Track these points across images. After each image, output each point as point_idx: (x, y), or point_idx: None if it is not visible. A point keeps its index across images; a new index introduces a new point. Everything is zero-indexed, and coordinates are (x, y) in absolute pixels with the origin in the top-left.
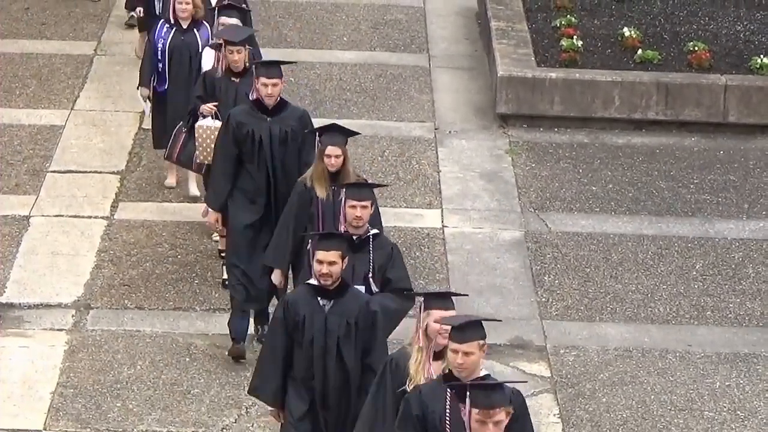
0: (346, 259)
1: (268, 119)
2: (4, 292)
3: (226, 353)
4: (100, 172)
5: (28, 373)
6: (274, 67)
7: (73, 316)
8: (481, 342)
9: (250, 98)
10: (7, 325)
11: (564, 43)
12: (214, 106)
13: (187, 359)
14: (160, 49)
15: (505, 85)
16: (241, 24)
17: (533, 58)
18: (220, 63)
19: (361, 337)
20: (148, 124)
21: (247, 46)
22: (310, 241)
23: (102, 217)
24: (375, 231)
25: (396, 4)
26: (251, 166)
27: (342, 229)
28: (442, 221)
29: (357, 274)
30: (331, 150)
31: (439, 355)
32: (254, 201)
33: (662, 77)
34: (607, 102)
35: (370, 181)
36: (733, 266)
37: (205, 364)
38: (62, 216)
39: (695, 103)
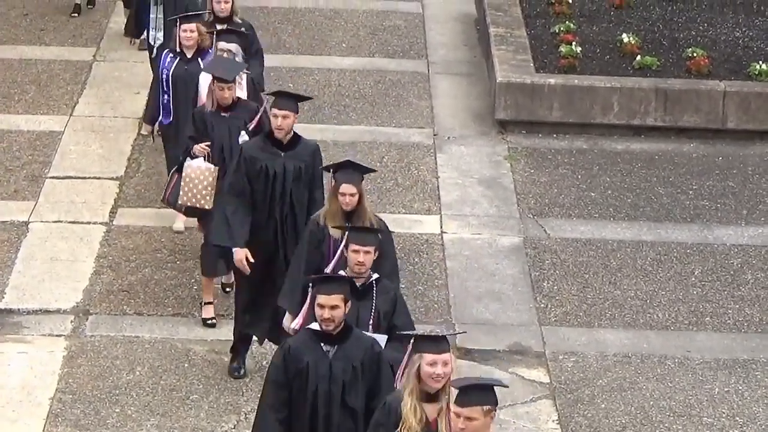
0: (348, 303)
1: (282, 154)
2: (3, 297)
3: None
4: (99, 178)
5: (27, 378)
6: (287, 100)
7: (72, 321)
8: (487, 408)
9: (250, 128)
10: (6, 331)
11: (563, 49)
12: (206, 146)
13: (186, 365)
14: (164, 79)
15: (504, 91)
16: (240, 49)
17: (532, 64)
18: (210, 98)
19: (367, 379)
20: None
21: (242, 74)
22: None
23: (101, 223)
24: (376, 276)
25: (395, 11)
26: (262, 202)
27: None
28: (441, 227)
29: (361, 321)
30: (345, 188)
31: (433, 397)
32: (264, 237)
33: (661, 83)
34: (605, 108)
35: (372, 224)
36: (732, 272)
37: (204, 370)
38: (61, 222)
39: (694, 109)
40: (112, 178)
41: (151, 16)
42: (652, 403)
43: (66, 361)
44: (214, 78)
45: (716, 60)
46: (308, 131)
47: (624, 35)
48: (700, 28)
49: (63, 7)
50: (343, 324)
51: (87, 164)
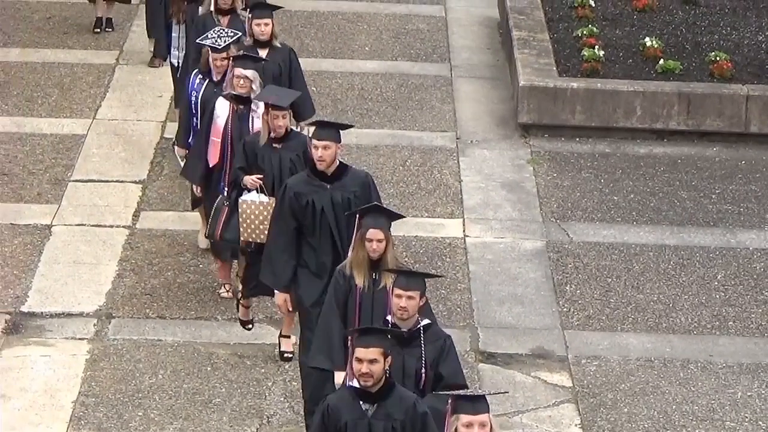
0: (389, 358)
1: (328, 186)
2: (26, 301)
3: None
4: (122, 182)
5: (50, 382)
6: (327, 129)
7: (94, 325)
8: None
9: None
10: (29, 334)
11: (586, 52)
12: (258, 178)
13: (209, 368)
14: (193, 102)
15: (527, 95)
16: (257, 75)
17: (555, 68)
18: (265, 128)
19: None
20: (169, 133)
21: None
22: (349, 338)
23: (124, 227)
24: (426, 321)
25: (418, 14)
26: (313, 239)
27: (389, 320)
28: (464, 231)
29: (407, 372)
30: (372, 234)
31: None
32: (319, 275)
33: (684, 87)
34: (628, 112)
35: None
36: (755, 276)
37: (227, 374)
38: (84, 225)
39: (717, 113)
40: (134, 182)
41: (173, 35)
42: (674, 407)
43: (89, 365)
44: (268, 106)
45: (739, 64)
46: None
47: (647, 39)
48: (723, 32)
49: (86, 10)
50: (384, 380)
51: (110, 167)
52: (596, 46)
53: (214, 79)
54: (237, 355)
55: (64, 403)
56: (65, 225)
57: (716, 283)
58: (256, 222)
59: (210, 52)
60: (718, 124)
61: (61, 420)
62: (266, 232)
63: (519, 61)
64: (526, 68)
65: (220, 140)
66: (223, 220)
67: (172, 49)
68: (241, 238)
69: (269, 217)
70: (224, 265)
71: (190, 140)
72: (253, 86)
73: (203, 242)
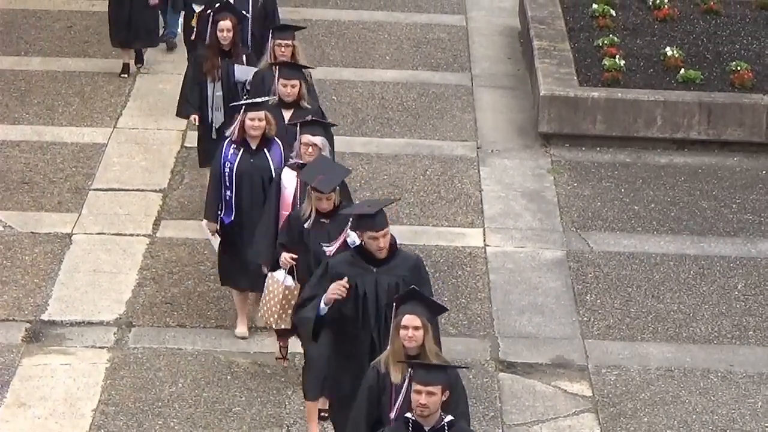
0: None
1: (375, 270)
2: (47, 309)
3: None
4: (143, 190)
5: (70, 390)
6: (377, 218)
7: (114, 333)
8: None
9: (349, 242)
10: (49, 343)
11: (606, 62)
12: (292, 258)
13: (229, 377)
14: (227, 174)
15: (548, 105)
16: (327, 143)
17: (575, 78)
18: (308, 206)
19: None
20: (189, 142)
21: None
22: None
23: (144, 235)
24: (450, 418)
25: (438, 23)
26: (354, 326)
27: (410, 418)
28: (484, 240)
29: None
30: (408, 320)
31: None
32: (360, 365)
33: (705, 97)
34: (649, 121)
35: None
36: None
37: (247, 383)
38: (104, 234)
39: (738, 122)
40: (155, 191)
41: (208, 93)
42: (694, 417)
43: (109, 373)
44: (313, 189)
45: (760, 74)
46: (352, 144)
47: (667, 49)
48: (744, 41)
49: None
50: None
51: (130, 176)
52: (617, 56)
53: (252, 147)
54: (257, 364)
55: (84, 411)
56: (86, 234)
57: (736, 293)
58: (270, 303)
59: (245, 111)
60: (739, 133)
61: (81, 428)
62: (282, 317)
63: (540, 70)
64: (547, 78)
65: (285, 218)
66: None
67: (208, 110)
68: (258, 315)
69: (289, 303)
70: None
71: (222, 215)
72: (324, 154)
73: (242, 330)
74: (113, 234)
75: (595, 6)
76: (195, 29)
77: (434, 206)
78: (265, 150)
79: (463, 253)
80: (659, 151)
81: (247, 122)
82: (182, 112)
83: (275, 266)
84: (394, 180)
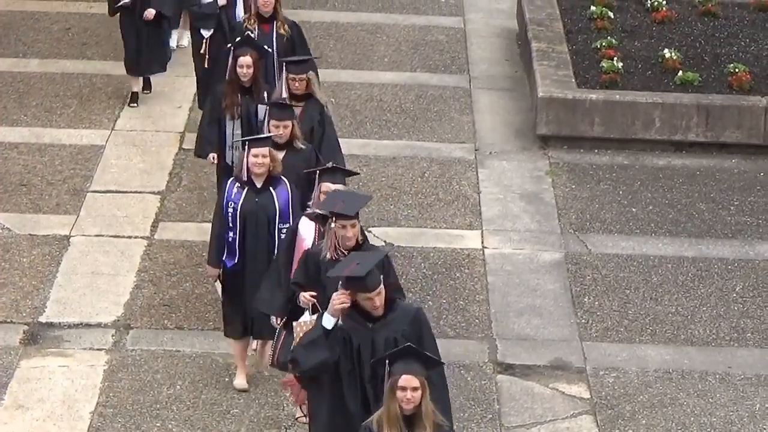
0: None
1: (371, 326)
2: (45, 311)
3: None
4: (141, 192)
5: (68, 392)
6: (368, 279)
7: (112, 335)
8: None
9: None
10: (47, 345)
11: (604, 64)
12: (312, 296)
13: (227, 379)
14: (230, 215)
15: (546, 107)
16: (346, 185)
17: (573, 80)
18: (330, 239)
19: None
20: (187, 144)
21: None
22: None
23: (142, 237)
24: None
25: (436, 25)
26: (346, 384)
27: None
28: (482, 242)
29: None
30: (405, 381)
31: None
32: (351, 425)
33: (703, 99)
34: (647, 123)
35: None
36: None
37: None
38: (102, 236)
39: (736, 124)
40: (153, 193)
41: (227, 132)
42: (692, 419)
43: (107, 375)
44: (334, 215)
45: (758, 76)
46: (350, 146)
47: (666, 51)
48: (742, 43)
49: (104, 21)
50: None
51: (128, 178)
52: (615, 58)
53: (257, 185)
54: (255, 366)
55: (82, 413)
56: (84, 235)
57: (735, 295)
58: None
59: (248, 148)
60: (737, 135)
61: (79, 431)
62: None
63: (538, 72)
64: (545, 80)
65: (301, 255)
66: (281, 345)
67: (227, 149)
68: (265, 362)
69: None
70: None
71: (224, 258)
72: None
73: (241, 382)
74: (111, 236)
75: (593, 8)
76: (207, 56)
77: (432, 208)
78: (271, 189)
79: (461, 255)
80: (657, 153)
81: (251, 159)
82: (201, 152)
83: (296, 314)
84: (392, 182)
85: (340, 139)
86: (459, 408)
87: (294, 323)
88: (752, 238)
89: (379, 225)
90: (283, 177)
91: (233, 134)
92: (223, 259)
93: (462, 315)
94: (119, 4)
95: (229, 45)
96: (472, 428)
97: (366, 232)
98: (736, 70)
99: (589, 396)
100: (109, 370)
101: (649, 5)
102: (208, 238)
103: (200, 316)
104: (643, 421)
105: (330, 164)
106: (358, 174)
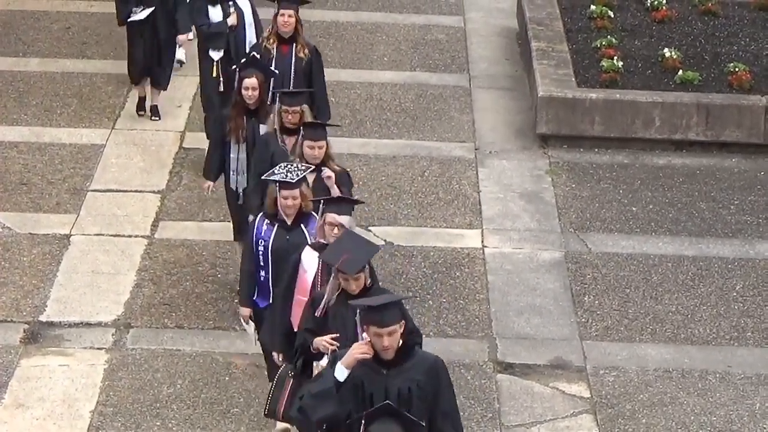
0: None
1: (385, 372)
2: (45, 310)
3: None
4: (141, 191)
5: (69, 391)
6: (385, 313)
7: (113, 335)
8: None
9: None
10: (47, 344)
11: (604, 63)
12: (332, 339)
13: (227, 378)
14: (260, 253)
15: (546, 106)
16: (353, 221)
17: (573, 79)
18: (335, 284)
19: None
20: (188, 143)
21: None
22: None
23: (142, 236)
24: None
25: (436, 24)
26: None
27: None
28: (483, 241)
29: None
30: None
31: None
32: None
33: (703, 98)
34: (647, 123)
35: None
36: None
37: (245, 383)
38: (102, 235)
39: (736, 123)
40: (153, 192)
41: (231, 156)
42: (693, 418)
43: (107, 374)
44: (340, 271)
45: (758, 75)
46: (350, 145)
47: (666, 50)
48: (742, 42)
49: (105, 20)
50: None
51: (128, 177)
52: (615, 57)
53: (287, 222)
54: (255, 365)
55: (82, 412)
56: (84, 235)
57: (735, 294)
58: None
59: (279, 189)
60: (737, 135)
61: (80, 430)
62: None
63: (538, 71)
64: (545, 79)
65: (307, 299)
66: (288, 395)
67: (231, 173)
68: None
69: None
70: None
71: (256, 298)
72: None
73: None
74: (111, 235)
75: (593, 7)
76: (221, 80)
77: (432, 207)
78: (302, 225)
79: (461, 255)
80: (657, 152)
81: (281, 201)
82: (206, 175)
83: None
84: (392, 181)
85: (340, 138)
86: (459, 407)
87: (316, 365)
88: (752, 237)
89: (379, 224)
90: (314, 213)
91: (238, 158)
92: (255, 299)
93: (462, 314)
94: (132, 18)
95: (234, 66)
96: (472, 427)
97: (365, 230)
98: (736, 69)
99: (589, 395)
100: (110, 369)
101: (649, 4)
102: (208, 237)
103: (200, 315)
104: (643, 420)
105: (336, 194)
106: (363, 203)
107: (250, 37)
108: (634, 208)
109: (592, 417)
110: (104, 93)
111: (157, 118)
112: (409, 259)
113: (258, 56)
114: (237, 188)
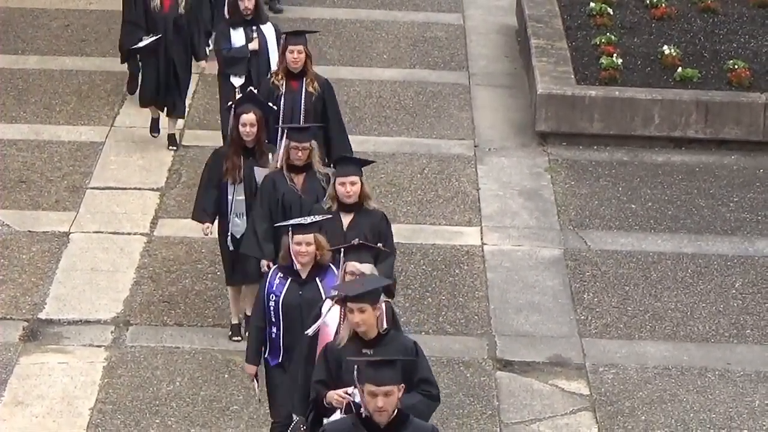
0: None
1: None
2: (44, 308)
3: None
4: (140, 189)
5: (68, 389)
6: (388, 367)
7: (112, 332)
8: None
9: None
10: (46, 341)
11: (604, 61)
12: (346, 393)
13: (226, 376)
14: (272, 308)
15: (545, 103)
16: (375, 269)
17: (573, 76)
18: (347, 328)
19: None
20: (187, 141)
21: (382, 302)
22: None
23: (141, 234)
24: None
25: (436, 22)
26: None
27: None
28: (482, 239)
29: None
30: None
31: None
32: None
33: (702, 95)
34: (646, 120)
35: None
36: None
37: (244, 381)
38: (102, 232)
39: (735, 121)
40: (152, 189)
41: (228, 198)
42: (692, 415)
43: (106, 372)
44: (346, 298)
45: (757, 72)
46: None
47: (665, 47)
48: (742, 40)
49: (103, 17)
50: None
51: (127, 175)
52: (614, 55)
53: (302, 276)
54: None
55: (81, 410)
56: (83, 232)
57: (734, 291)
58: None
59: (291, 234)
60: (736, 132)
61: (79, 427)
62: None
63: (537, 69)
64: (544, 76)
65: (321, 349)
66: None
67: (231, 216)
68: None
69: None
70: None
71: (267, 355)
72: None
73: None
74: (110, 233)
75: (592, 4)
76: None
77: (432, 205)
78: (317, 279)
79: (460, 252)
80: (657, 149)
81: (294, 247)
82: (197, 216)
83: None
84: (391, 178)
85: None
86: (458, 404)
87: (325, 421)
88: (751, 234)
89: None
90: (332, 266)
91: (234, 200)
92: (266, 356)
93: (461, 311)
94: (137, 45)
95: (229, 103)
96: (471, 425)
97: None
98: (736, 66)
99: (588, 392)
100: (109, 366)
101: (648, 2)
102: None
103: (199, 313)
104: (643, 417)
105: (356, 241)
106: (383, 250)
107: (274, 63)
108: (633, 206)
109: (592, 414)
110: (103, 90)
111: (174, 148)
112: (409, 256)
113: (255, 91)
114: (231, 232)
